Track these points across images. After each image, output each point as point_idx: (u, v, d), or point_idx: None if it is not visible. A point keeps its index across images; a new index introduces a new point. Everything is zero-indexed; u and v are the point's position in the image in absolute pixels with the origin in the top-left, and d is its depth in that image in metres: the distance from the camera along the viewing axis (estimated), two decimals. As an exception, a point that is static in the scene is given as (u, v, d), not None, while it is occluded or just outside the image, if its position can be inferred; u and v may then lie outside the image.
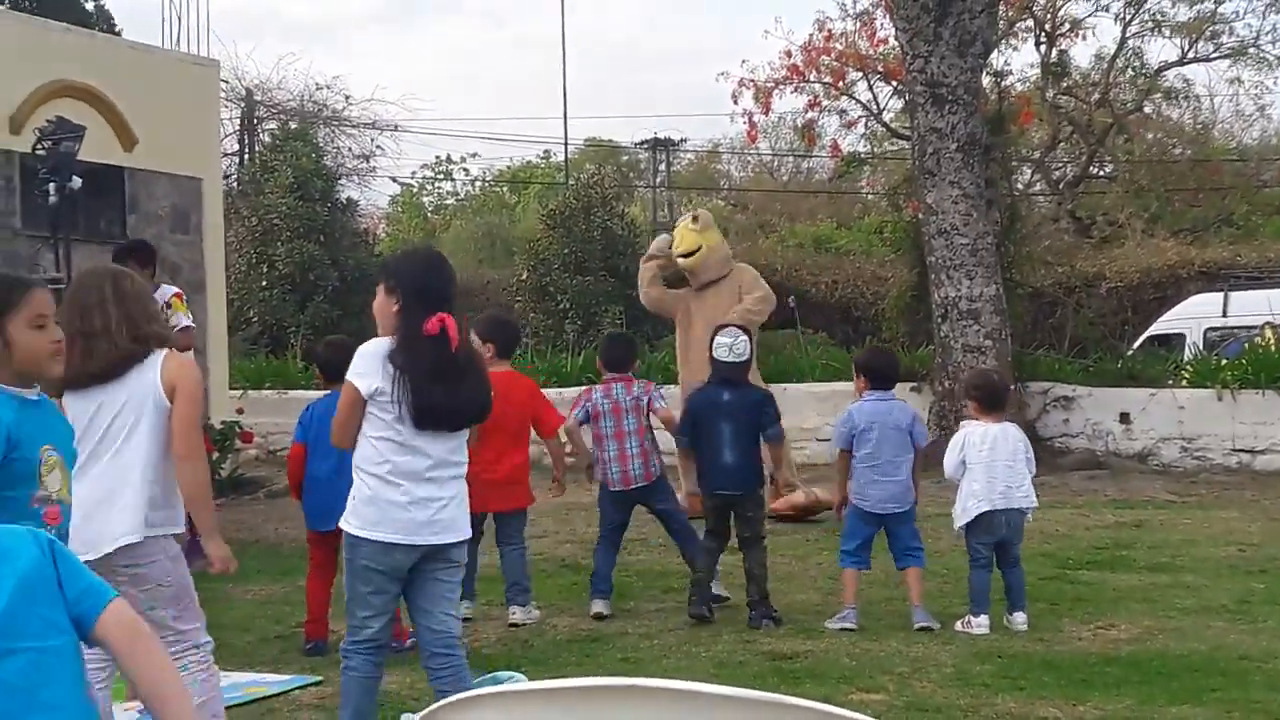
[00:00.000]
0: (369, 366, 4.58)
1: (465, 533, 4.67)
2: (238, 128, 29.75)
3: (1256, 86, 27.74)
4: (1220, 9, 25.95)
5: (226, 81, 24.65)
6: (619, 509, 7.55)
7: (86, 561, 4.25)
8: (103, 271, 4.61)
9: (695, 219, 10.98)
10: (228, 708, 5.55)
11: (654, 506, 7.63)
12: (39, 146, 10.48)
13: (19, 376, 3.49)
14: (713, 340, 7.48)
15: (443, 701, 1.94)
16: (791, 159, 38.67)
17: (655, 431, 7.65)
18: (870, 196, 33.25)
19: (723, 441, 7.16)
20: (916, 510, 7.25)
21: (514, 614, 7.21)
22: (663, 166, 39.62)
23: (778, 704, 1.82)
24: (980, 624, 6.83)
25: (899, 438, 7.07)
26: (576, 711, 1.87)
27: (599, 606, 7.32)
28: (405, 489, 4.53)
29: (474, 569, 7.41)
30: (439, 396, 4.53)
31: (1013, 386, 13.62)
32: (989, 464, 6.92)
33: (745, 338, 7.42)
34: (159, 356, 4.37)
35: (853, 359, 8.14)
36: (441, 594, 4.65)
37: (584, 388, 7.87)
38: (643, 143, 39.25)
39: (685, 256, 10.70)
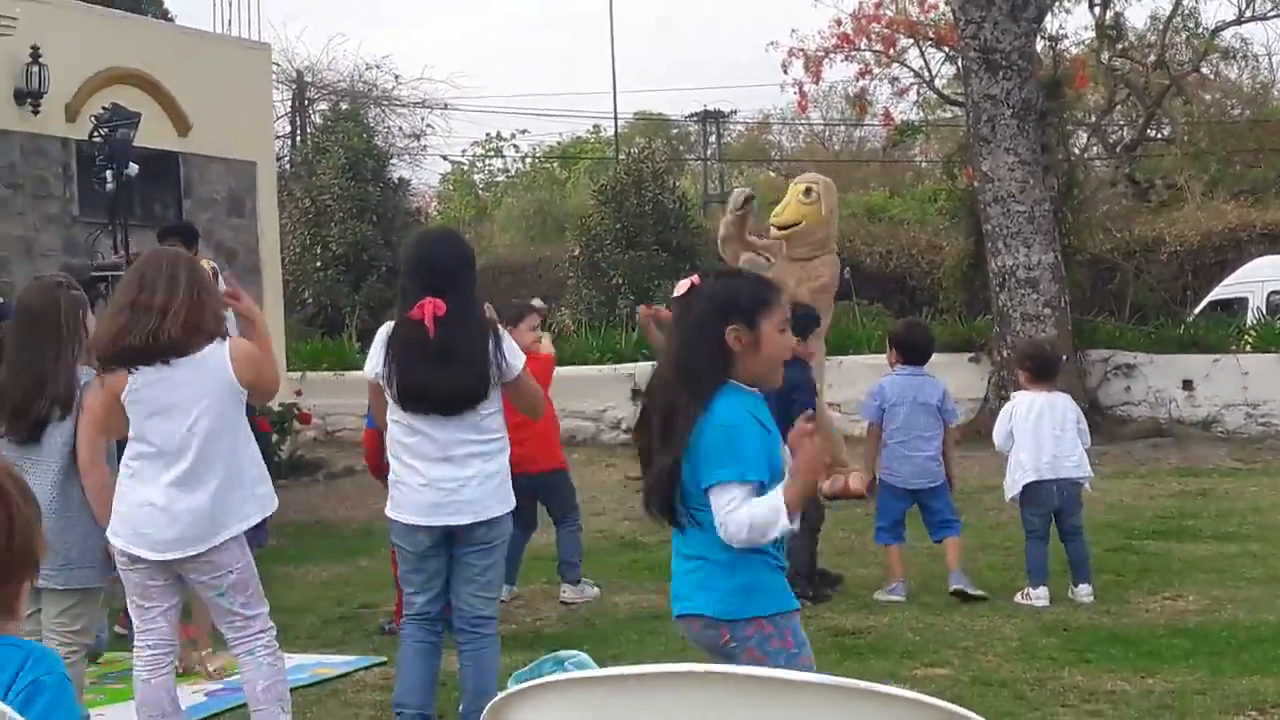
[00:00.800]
0: (374, 351, 4.73)
1: (489, 514, 4.64)
2: (289, 109, 29.92)
3: (1317, 44, 27.20)
4: (1279, -35, 25.47)
5: (277, 64, 24.74)
6: None
7: (159, 560, 4.33)
8: (175, 254, 4.64)
9: (808, 192, 10.31)
10: (295, 689, 5.60)
11: None
12: (95, 134, 10.58)
13: (753, 377, 3.43)
14: None
15: (513, 689, 1.94)
16: (843, 128, 38.42)
17: None
18: (924, 164, 32.96)
19: None
20: (975, 480, 7.20)
21: (565, 592, 7.20)
22: (713, 139, 39.49)
23: (849, 689, 1.79)
24: (1039, 595, 6.76)
25: (928, 413, 7.03)
26: (646, 697, 1.86)
27: None
28: (419, 470, 4.61)
29: (517, 557, 7.36)
30: (416, 379, 4.56)
31: (1068, 356, 13.48)
32: (1035, 433, 6.85)
33: None
34: (224, 346, 4.40)
35: (888, 332, 8.06)
36: (468, 576, 4.70)
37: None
38: (692, 115, 39.14)
39: (782, 228, 10.46)
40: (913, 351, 7.22)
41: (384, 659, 6.07)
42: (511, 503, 4.75)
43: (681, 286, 3.45)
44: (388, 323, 4.78)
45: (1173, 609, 6.62)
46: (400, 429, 4.66)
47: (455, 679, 5.51)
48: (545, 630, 6.63)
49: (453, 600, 4.76)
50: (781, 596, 3.38)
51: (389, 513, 4.73)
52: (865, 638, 6.24)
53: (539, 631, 6.60)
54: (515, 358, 4.70)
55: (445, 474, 4.59)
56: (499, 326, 4.77)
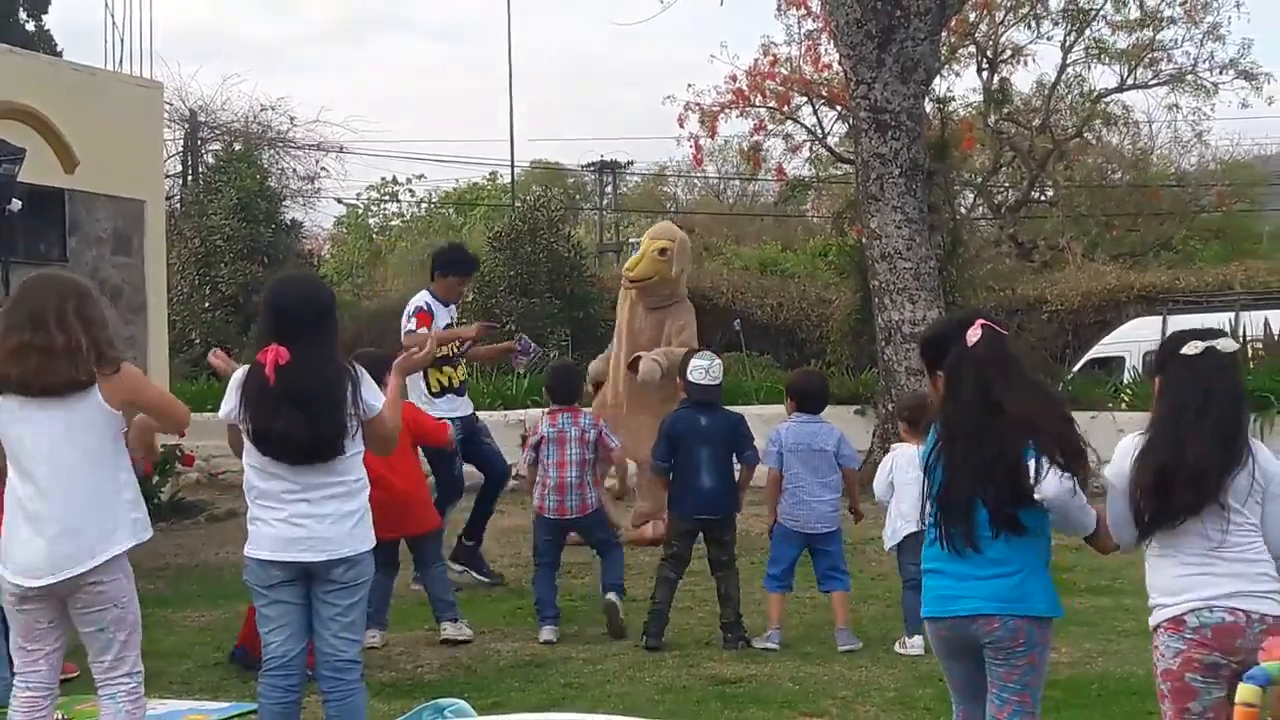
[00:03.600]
0: (228, 391, 4.70)
1: (344, 551, 4.59)
2: (181, 149, 29.51)
3: (1194, 113, 28.06)
4: (1159, 36, 26.31)
5: (170, 103, 24.45)
6: (552, 535, 7.54)
7: (56, 582, 4.26)
8: (68, 284, 4.54)
9: (663, 252, 10.49)
10: (166, 736, 5.49)
11: (588, 536, 7.65)
12: (-23, 168, 10.35)
13: None
14: (687, 364, 7.52)
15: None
16: (737, 182, 38.84)
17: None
18: (815, 220, 33.43)
19: (701, 465, 7.19)
20: (857, 532, 7.30)
21: (445, 630, 7.16)
22: (609, 189, 39.69)
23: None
24: (914, 644, 6.87)
25: (823, 460, 7.15)
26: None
27: (548, 634, 7.29)
28: (274, 509, 4.59)
29: (387, 599, 7.30)
30: (272, 427, 4.54)
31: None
32: (915, 485, 6.95)
33: (719, 362, 7.52)
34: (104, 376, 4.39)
35: (785, 381, 8.24)
36: (329, 616, 4.63)
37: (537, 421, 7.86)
38: (589, 165, 39.33)
39: (634, 281, 10.66)
40: (807, 399, 7.33)
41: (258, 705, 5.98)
42: (371, 542, 4.70)
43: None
44: (244, 366, 4.74)
45: (1046, 660, 6.74)
46: (256, 473, 4.64)
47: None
48: (426, 677, 6.57)
49: (315, 643, 4.67)
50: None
51: (245, 551, 4.67)
52: (746, 686, 6.28)
53: (419, 679, 6.54)
54: (375, 399, 4.70)
55: (303, 511, 4.56)
56: (359, 370, 4.73)
